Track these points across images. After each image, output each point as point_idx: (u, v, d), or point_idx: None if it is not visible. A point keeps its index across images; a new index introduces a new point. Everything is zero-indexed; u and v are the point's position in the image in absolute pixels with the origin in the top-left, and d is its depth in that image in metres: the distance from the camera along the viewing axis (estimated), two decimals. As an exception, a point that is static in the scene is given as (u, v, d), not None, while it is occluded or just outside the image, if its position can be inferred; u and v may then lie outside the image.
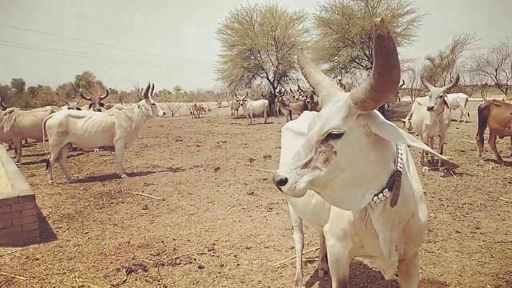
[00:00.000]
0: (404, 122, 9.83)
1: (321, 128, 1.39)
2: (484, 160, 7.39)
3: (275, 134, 13.49)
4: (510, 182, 5.79)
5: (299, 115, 12.21)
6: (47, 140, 6.68)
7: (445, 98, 6.23)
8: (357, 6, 19.91)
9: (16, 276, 3.16)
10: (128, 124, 7.00)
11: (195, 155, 9.47)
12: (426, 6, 34.40)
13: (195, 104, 26.93)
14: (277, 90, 24.10)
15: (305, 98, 13.50)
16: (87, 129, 6.71)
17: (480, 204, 4.80)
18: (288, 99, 16.45)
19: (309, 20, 23.44)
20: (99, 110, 9.29)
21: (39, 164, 8.87)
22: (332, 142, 1.37)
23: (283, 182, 1.37)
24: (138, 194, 5.76)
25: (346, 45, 20.26)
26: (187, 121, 22.10)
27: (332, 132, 1.36)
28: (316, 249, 3.55)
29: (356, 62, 21.21)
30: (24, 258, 3.54)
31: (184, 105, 31.04)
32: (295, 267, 3.11)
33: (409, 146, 1.54)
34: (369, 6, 19.45)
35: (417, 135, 7.57)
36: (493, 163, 7.08)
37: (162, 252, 3.60)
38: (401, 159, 1.48)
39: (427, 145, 7.52)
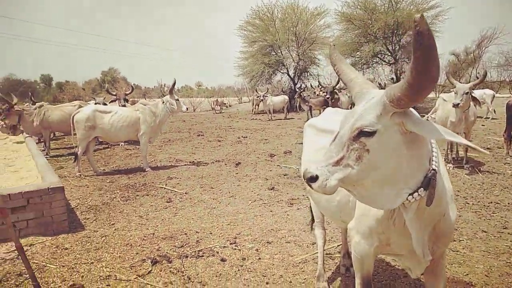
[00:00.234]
0: (428, 118, 9.63)
1: (353, 126, 1.38)
2: (513, 159, 7.15)
3: (295, 130, 13.46)
4: (540, 182, 5.60)
5: (320, 111, 12.16)
6: (75, 134, 6.91)
7: (473, 94, 6.07)
8: (380, 1, 19.60)
9: (47, 265, 3.31)
10: (152, 119, 7.15)
11: (216, 150, 9.57)
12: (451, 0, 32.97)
13: (217, 100, 27.10)
14: (298, 85, 23.96)
15: (325, 94, 13.36)
16: (113, 123, 6.89)
17: (508, 203, 4.66)
18: (309, 95, 16.34)
19: (330, 15, 23.23)
20: (124, 106, 9.53)
21: (67, 157, 9.18)
22: (365, 140, 1.36)
23: (313, 179, 1.37)
24: (162, 187, 5.89)
25: (369, 40, 19.95)
26: (208, 116, 22.30)
27: (365, 130, 1.35)
28: (338, 245, 3.56)
29: (378, 57, 20.86)
30: (54, 248, 3.70)
31: (205, 101, 31.32)
32: (317, 263, 3.13)
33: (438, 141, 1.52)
34: (393, 0, 19.05)
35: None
36: (523, 162, 6.85)
37: (185, 244, 3.69)
38: (436, 157, 1.47)
39: (453, 142, 7.35)
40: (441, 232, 1.66)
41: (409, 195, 1.42)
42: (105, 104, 9.81)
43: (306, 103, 15.64)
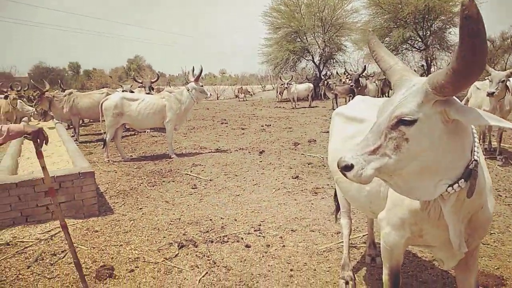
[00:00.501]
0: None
1: (392, 114, 1.34)
2: (550, 150, 6.82)
3: (320, 118, 13.30)
4: None
5: (346, 99, 11.94)
6: (103, 121, 7.09)
7: (509, 83, 5.78)
8: (411, -15, 18.79)
9: (79, 246, 3.44)
10: (178, 107, 7.24)
11: (240, 137, 9.61)
12: (489, -18, 31.36)
13: (241, 87, 27.06)
14: (323, 73, 23.60)
15: (350, 81, 13.07)
16: (140, 111, 7.03)
17: (544, 197, 4.47)
18: (334, 83, 16.05)
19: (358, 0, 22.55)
20: (149, 94, 9.69)
21: (95, 143, 9.47)
22: (404, 128, 1.32)
23: (348, 168, 1.35)
24: (187, 174, 5.99)
25: (398, 26, 19.31)
26: (232, 104, 22.36)
27: (405, 118, 1.31)
28: (363, 235, 3.52)
29: (408, 43, 20.20)
30: (85, 230, 3.85)
31: (228, 88, 31.38)
32: (341, 252, 3.11)
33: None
34: (424, -16, 18.28)
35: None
36: (561, 154, 6.52)
37: (210, 230, 3.75)
38: (477, 147, 1.41)
39: (485, 133, 7.07)
40: (478, 224, 1.61)
41: (449, 186, 1.38)
42: (132, 92, 10.00)
43: (332, 91, 15.38)
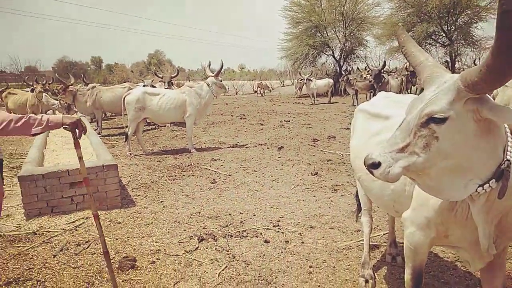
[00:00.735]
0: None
1: (422, 111, 1.32)
2: None
3: (339, 114, 13.16)
4: None
5: (366, 95, 11.74)
6: (126, 115, 7.22)
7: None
8: (436, -23, 18.26)
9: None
10: (198, 101, 7.30)
11: (259, 133, 9.61)
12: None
13: (261, 82, 27.01)
14: (343, 68, 23.28)
15: (374, 78, 12.84)
16: (162, 105, 7.12)
17: None
18: (355, 78, 15.82)
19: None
20: (168, 88, 9.80)
21: (117, 137, 9.67)
22: (435, 126, 1.29)
23: (375, 165, 1.34)
24: (207, 169, 6.05)
25: (422, 20, 18.82)
26: (250, 99, 22.37)
27: (435, 116, 1.28)
28: (384, 234, 3.48)
29: (432, 38, 19.68)
30: (108, 221, 3.94)
31: (247, 84, 31.38)
32: (361, 250, 3.09)
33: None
34: (451, -24, 17.73)
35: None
36: None
37: (230, 224, 3.78)
38: (511, 147, 1.37)
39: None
40: (508, 225, 1.56)
41: (479, 186, 1.34)
42: (153, 87, 10.14)
43: (352, 87, 15.19)
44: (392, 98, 2.54)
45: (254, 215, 4.04)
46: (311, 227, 3.70)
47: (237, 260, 3.06)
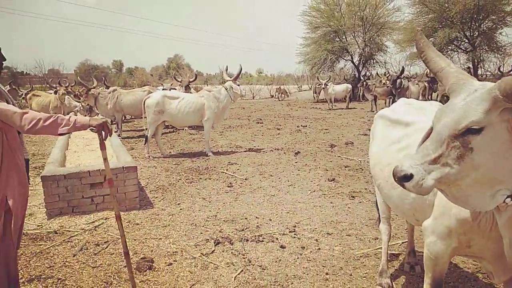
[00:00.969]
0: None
1: (457, 122, 1.28)
2: None
3: (357, 120, 13.03)
4: None
5: (385, 101, 11.57)
6: (145, 117, 7.35)
7: None
8: (460, -18, 17.89)
9: (120, 238, 3.58)
10: (216, 105, 7.36)
11: (275, 138, 9.61)
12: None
13: (279, 87, 27.04)
14: (362, 73, 23.07)
15: (392, 83, 12.67)
16: (180, 109, 7.22)
17: None
18: (374, 84, 15.64)
19: (401, -3, 21.82)
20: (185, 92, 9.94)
21: (137, 139, 9.83)
22: (470, 137, 1.26)
23: (407, 178, 1.29)
24: (223, 172, 6.08)
25: (444, 26, 18.45)
26: (267, 103, 22.40)
27: (472, 127, 1.25)
28: (403, 243, 3.42)
29: (454, 44, 19.27)
30: (126, 222, 4.00)
31: (264, 88, 31.44)
32: (379, 258, 3.05)
33: None
34: (475, -19, 17.35)
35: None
36: None
37: (246, 228, 3.79)
38: None
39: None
40: None
41: (508, 197, 1.31)
42: (175, 89, 10.31)
43: (371, 93, 15.02)
44: (413, 104, 2.50)
45: (270, 220, 4.04)
46: (327, 233, 3.66)
47: (253, 265, 3.06)
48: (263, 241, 3.50)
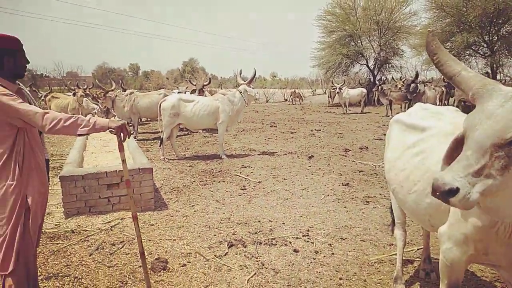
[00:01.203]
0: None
1: (503, 130, 1.22)
2: None
3: (372, 124, 12.91)
4: None
5: (401, 106, 11.45)
6: (161, 120, 7.45)
7: None
8: (479, -14, 17.57)
9: (135, 238, 3.63)
10: (230, 108, 7.41)
11: (289, 141, 9.60)
12: None
13: (294, 91, 27.03)
14: (377, 78, 22.87)
15: (406, 88, 12.52)
16: (195, 112, 7.29)
17: None
18: (389, 88, 15.49)
19: (418, 1, 21.67)
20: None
21: (152, 141, 9.96)
22: None
23: (452, 192, 1.21)
24: (237, 175, 6.10)
25: (462, 30, 18.13)
26: (281, 107, 22.40)
27: None
28: (418, 249, 3.37)
29: (472, 49, 18.91)
30: (142, 223, 4.06)
31: (278, 92, 31.45)
32: (394, 264, 3.01)
33: None
34: (495, -16, 17.01)
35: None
36: None
37: (259, 231, 3.80)
38: None
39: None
40: None
41: None
42: (194, 91, 10.43)
43: (386, 97, 14.88)
44: (429, 109, 2.47)
45: (284, 224, 4.03)
46: (341, 238, 3.64)
47: (266, 268, 3.06)
48: (276, 244, 3.50)
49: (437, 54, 1.49)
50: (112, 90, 10.44)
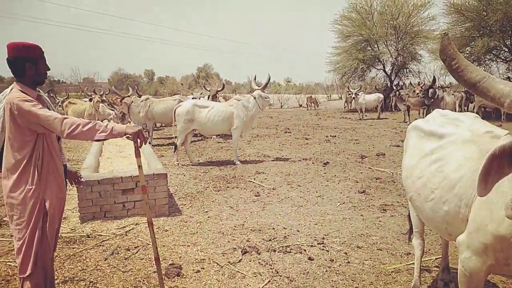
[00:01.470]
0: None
1: None
2: None
3: (389, 131, 12.72)
4: None
5: (419, 111, 11.24)
6: (175, 126, 7.51)
7: None
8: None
9: (150, 243, 3.65)
10: (245, 114, 7.41)
11: (304, 147, 9.53)
12: None
13: (311, 96, 26.98)
14: (395, 83, 22.60)
15: (424, 93, 12.31)
16: (210, 117, 7.32)
17: None
18: (407, 94, 15.25)
19: (436, 5, 21.37)
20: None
21: (166, 147, 10.04)
22: None
23: None
24: (251, 181, 6.08)
25: (482, 34, 17.76)
26: (296, 113, 22.33)
27: None
28: (436, 258, 3.27)
29: (493, 53, 18.49)
30: (156, 228, 4.07)
31: (292, 97, 31.40)
32: (411, 274, 2.94)
33: None
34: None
35: None
36: None
37: (273, 239, 3.76)
38: None
39: None
40: None
41: None
42: (211, 97, 10.52)
43: (404, 103, 14.66)
44: (448, 116, 2.41)
45: (298, 231, 3.98)
46: (357, 247, 3.57)
47: (280, 276, 3.02)
48: (290, 252, 3.46)
49: (456, 59, 1.38)
50: (128, 96, 10.59)
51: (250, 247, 3.52)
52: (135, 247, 3.60)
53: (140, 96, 11.44)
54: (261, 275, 3.03)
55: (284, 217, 4.42)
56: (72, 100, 13.55)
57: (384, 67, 24.01)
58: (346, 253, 3.44)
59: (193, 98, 10.47)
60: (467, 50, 18.66)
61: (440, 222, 2.00)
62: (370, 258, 3.32)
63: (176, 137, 7.56)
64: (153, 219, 4.26)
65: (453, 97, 14.10)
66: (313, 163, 7.54)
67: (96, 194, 4.31)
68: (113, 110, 12.08)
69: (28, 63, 2.20)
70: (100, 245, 3.66)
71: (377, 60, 23.74)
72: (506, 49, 18.14)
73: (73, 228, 4.12)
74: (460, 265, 1.77)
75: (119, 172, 4.68)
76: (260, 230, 3.99)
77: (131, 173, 4.44)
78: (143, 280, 2.98)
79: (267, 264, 3.22)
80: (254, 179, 6.24)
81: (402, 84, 22.40)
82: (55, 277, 2.90)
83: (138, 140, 2.32)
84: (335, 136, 11.51)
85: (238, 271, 3.10)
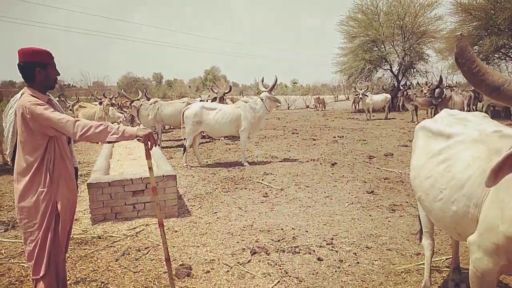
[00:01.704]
0: None
1: None
2: None
3: (397, 131, 12.65)
4: None
5: (427, 111, 11.16)
6: (184, 128, 7.56)
7: None
8: (509, -13, 17.03)
9: (160, 244, 3.68)
10: (252, 116, 7.44)
11: (311, 148, 9.53)
12: None
13: (318, 97, 26.94)
14: (402, 83, 22.47)
15: (431, 93, 12.22)
16: (218, 119, 7.37)
17: None
18: (414, 93, 15.16)
19: (443, 5, 21.20)
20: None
21: (175, 149, 10.11)
22: None
23: None
24: (259, 182, 6.10)
25: (490, 33, 17.59)
26: (303, 114, 22.30)
27: None
28: (446, 259, 3.26)
29: (501, 52, 18.29)
30: (166, 229, 4.08)
31: (299, 98, 31.37)
32: (421, 274, 2.93)
33: None
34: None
35: None
36: None
37: (282, 239, 3.77)
38: None
39: None
40: None
41: None
42: (214, 100, 10.57)
43: (411, 102, 14.57)
44: (456, 115, 2.41)
45: (307, 231, 3.99)
46: (367, 247, 3.56)
47: (290, 276, 3.04)
48: (299, 252, 3.47)
49: (476, 62, 1.31)
50: (137, 99, 10.69)
51: (259, 247, 3.54)
52: (146, 248, 3.64)
53: (149, 99, 11.55)
54: (270, 276, 3.05)
55: (292, 218, 4.43)
56: (82, 104, 13.70)
57: (391, 67, 23.89)
58: (355, 253, 3.44)
59: (200, 101, 10.53)
60: (475, 49, 18.47)
61: (449, 222, 2.00)
62: (380, 259, 3.32)
63: (184, 139, 7.62)
64: (163, 220, 4.34)
65: (461, 96, 13.96)
66: (321, 163, 7.54)
67: (107, 196, 4.36)
68: (122, 113, 12.20)
69: (37, 68, 2.24)
70: (111, 246, 3.71)
71: (384, 60, 23.63)
72: (516, 48, 17.94)
73: (85, 229, 4.18)
74: (472, 266, 1.76)
75: (129, 174, 4.74)
76: (269, 231, 4.01)
77: (141, 175, 4.49)
78: (154, 281, 3.02)
79: (276, 264, 3.24)
80: (262, 180, 6.26)
81: (410, 84, 22.27)
82: (67, 278, 2.95)
83: (149, 142, 2.35)
84: (343, 136, 11.48)
85: (248, 272, 3.12)
